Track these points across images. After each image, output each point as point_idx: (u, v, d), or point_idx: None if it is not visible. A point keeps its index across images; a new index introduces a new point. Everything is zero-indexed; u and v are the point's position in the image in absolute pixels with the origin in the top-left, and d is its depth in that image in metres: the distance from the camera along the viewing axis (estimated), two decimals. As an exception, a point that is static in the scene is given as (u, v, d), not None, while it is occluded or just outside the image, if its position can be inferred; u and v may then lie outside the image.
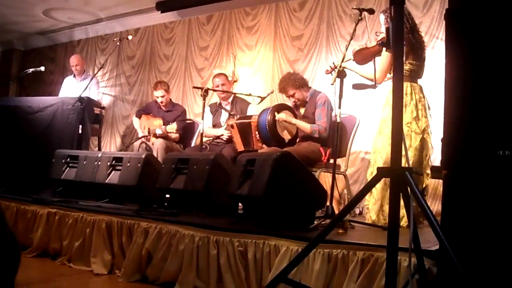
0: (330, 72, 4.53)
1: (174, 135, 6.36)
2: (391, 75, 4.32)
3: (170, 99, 6.93)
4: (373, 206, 4.14)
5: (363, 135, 5.84)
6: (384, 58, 4.26)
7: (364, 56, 4.38)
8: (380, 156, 4.15)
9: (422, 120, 4.13)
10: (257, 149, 5.56)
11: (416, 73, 4.24)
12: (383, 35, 4.26)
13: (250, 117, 5.74)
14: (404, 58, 4.13)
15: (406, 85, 4.11)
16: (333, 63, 4.58)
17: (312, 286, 2.73)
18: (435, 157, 5.18)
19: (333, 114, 5.23)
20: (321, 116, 5.26)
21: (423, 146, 4.13)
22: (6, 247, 1.71)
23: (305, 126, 5.24)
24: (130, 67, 9.12)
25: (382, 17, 4.42)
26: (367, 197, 4.22)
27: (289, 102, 5.60)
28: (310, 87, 5.54)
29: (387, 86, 4.37)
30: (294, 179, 3.47)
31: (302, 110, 5.45)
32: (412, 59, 4.18)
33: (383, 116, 4.26)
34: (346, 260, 2.71)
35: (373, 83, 4.19)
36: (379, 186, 4.04)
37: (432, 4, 5.97)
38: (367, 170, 5.19)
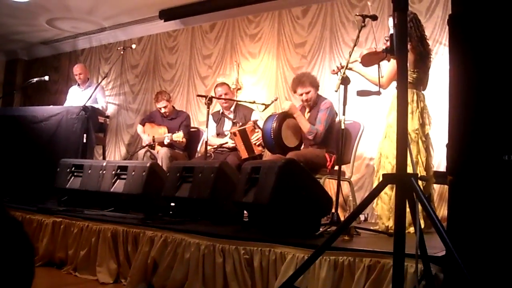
0: (336, 73, 4.52)
1: (181, 140, 6.35)
2: None
3: (173, 107, 6.95)
4: (386, 212, 4.12)
5: (367, 141, 5.84)
6: (392, 65, 4.27)
7: (371, 59, 4.37)
8: (388, 161, 4.15)
9: (426, 127, 4.17)
10: (257, 153, 5.57)
11: (420, 82, 4.27)
12: None
13: (245, 123, 5.76)
14: (412, 67, 4.16)
15: (412, 93, 4.16)
16: (340, 64, 4.58)
17: (318, 293, 2.73)
18: (440, 163, 5.18)
19: (337, 121, 5.23)
20: (320, 120, 5.27)
21: (429, 153, 4.18)
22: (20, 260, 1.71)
23: (305, 123, 5.25)
24: (134, 76, 9.15)
25: (391, 21, 4.43)
26: (375, 203, 4.23)
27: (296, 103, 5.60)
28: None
29: (393, 91, 4.37)
30: (299, 186, 3.47)
31: (307, 115, 5.45)
32: (419, 67, 4.20)
33: (389, 121, 4.26)
34: (352, 267, 2.70)
35: (378, 89, 4.18)
36: (391, 192, 4.02)
37: (435, 9, 5.98)
38: (372, 176, 5.19)
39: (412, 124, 4.09)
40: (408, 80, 4.21)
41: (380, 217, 4.20)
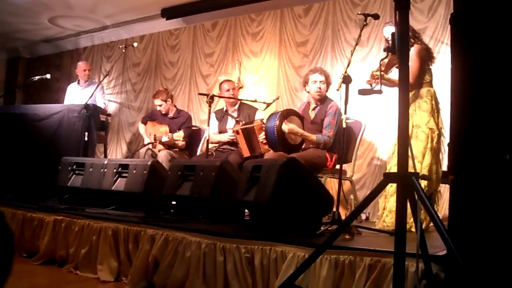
0: (371, 83, 4.34)
1: (181, 143, 6.36)
2: (425, 79, 4.29)
3: (175, 106, 6.94)
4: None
5: (369, 140, 5.83)
6: (413, 59, 4.20)
7: (389, 66, 4.33)
8: (418, 160, 4.06)
9: (440, 126, 4.21)
10: (264, 152, 5.55)
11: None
12: None
13: (252, 121, 5.75)
14: (427, 64, 4.19)
15: (431, 92, 4.18)
16: (379, 72, 4.36)
17: (319, 292, 2.72)
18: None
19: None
20: (329, 126, 5.25)
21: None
22: None
23: (311, 137, 5.21)
24: (136, 74, 9.14)
25: (385, 30, 4.44)
26: (381, 201, 4.22)
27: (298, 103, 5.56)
28: None
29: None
30: (300, 185, 3.47)
31: (312, 114, 5.44)
32: (429, 64, 4.25)
33: (414, 122, 4.18)
34: (353, 266, 2.70)
35: (379, 87, 4.16)
36: None
37: (437, 8, 5.96)
38: (374, 175, 5.18)
39: (439, 122, 4.14)
40: (427, 79, 4.23)
41: (392, 213, 4.12)
